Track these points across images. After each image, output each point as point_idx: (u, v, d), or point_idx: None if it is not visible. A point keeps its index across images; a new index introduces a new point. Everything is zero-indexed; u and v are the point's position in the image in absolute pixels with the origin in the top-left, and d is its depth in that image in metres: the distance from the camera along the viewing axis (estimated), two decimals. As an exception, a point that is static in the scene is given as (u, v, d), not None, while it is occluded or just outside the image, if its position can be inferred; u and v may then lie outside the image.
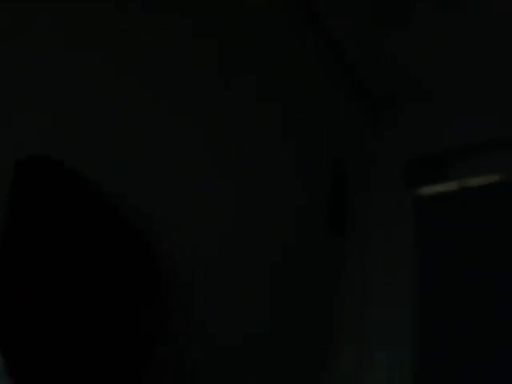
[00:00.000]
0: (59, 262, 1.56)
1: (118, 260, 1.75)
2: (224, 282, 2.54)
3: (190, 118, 2.47)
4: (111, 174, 2.04)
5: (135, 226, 1.95)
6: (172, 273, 2.23)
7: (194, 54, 2.51)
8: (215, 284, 2.49)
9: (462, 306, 3.30)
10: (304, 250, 3.07)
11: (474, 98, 3.46)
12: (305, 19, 3.21)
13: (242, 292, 2.64)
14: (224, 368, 2.46)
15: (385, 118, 3.65)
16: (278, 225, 2.90)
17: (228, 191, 2.62)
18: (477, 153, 3.38)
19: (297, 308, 2.99)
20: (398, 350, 3.35)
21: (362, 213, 3.50)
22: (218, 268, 2.52)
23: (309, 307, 3.09)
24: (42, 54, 1.88)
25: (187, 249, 2.34)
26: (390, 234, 3.49)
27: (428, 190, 3.50)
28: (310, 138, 3.19)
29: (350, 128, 3.54)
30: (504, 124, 3.34)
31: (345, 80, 3.51)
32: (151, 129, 2.25)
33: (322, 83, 3.33)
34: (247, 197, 2.73)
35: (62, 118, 1.91)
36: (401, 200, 3.50)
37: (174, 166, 2.35)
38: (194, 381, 2.28)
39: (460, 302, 3.32)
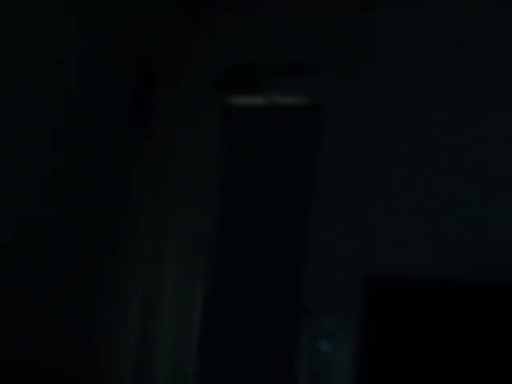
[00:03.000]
0: None
1: None
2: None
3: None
4: None
5: None
6: None
7: None
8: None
9: (257, 216, 3.49)
10: (103, 140, 3.03)
11: (293, 21, 3.58)
12: None
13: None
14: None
15: (204, 22, 3.66)
16: (74, 117, 2.81)
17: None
18: (287, 73, 3.51)
19: (91, 201, 2.96)
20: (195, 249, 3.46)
21: (169, 111, 3.51)
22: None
23: (104, 199, 3.07)
24: None
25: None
26: (195, 137, 3.55)
27: (237, 100, 3.59)
28: (115, 28, 3.09)
29: (163, 25, 3.49)
30: (315, 49, 3.50)
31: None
32: None
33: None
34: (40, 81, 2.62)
35: None
36: (210, 105, 3.56)
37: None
38: None
39: (255, 209, 3.50)
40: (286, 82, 3.51)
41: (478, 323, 2.75)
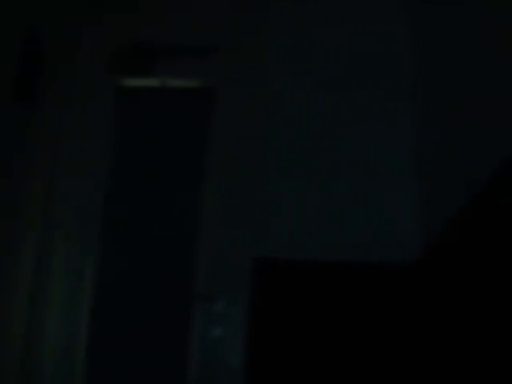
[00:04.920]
0: None
1: None
2: None
3: None
4: None
5: None
6: None
7: None
8: None
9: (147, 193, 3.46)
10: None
11: (190, 2, 3.57)
12: None
13: None
14: None
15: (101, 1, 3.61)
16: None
17: None
18: (181, 54, 3.50)
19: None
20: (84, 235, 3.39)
21: (60, 87, 3.43)
22: None
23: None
24: None
25: None
26: (87, 115, 3.48)
27: (131, 82, 3.55)
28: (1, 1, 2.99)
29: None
30: (210, 31, 3.51)
31: None
32: None
33: None
34: None
35: None
36: (103, 84, 3.51)
37: None
38: None
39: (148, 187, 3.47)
40: (180, 64, 3.50)
41: (362, 302, 2.83)
